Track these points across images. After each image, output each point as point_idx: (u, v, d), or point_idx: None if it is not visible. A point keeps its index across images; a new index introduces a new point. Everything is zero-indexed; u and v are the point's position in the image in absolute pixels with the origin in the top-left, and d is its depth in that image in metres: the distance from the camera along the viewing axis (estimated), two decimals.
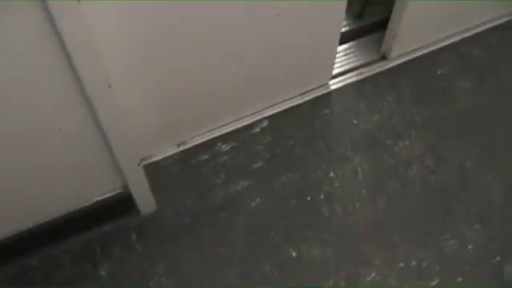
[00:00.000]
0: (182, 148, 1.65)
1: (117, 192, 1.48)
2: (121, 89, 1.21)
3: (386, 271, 1.46)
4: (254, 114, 1.72)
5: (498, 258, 1.49)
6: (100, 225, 1.51)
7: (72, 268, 1.45)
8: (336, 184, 1.61)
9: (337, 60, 1.83)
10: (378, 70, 1.86)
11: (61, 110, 1.14)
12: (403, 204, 1.58)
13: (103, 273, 1.44)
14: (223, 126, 1.69)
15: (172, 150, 1.65)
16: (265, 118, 1.73)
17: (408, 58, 1.89)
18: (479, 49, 1.94)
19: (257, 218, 1.54)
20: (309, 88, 1.78)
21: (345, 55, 1.88)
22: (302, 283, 1.44)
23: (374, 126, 1.73)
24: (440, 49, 1.92)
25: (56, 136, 1.20)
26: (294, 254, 1.48)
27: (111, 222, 1.52)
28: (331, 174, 1.63)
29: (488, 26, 1.98)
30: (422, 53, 1.90)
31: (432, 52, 1.91)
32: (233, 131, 1.70)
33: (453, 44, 1.94)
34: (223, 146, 1.67)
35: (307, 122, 1.73)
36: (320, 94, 1.79)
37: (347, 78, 1.84)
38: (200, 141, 1.67)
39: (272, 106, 1.74)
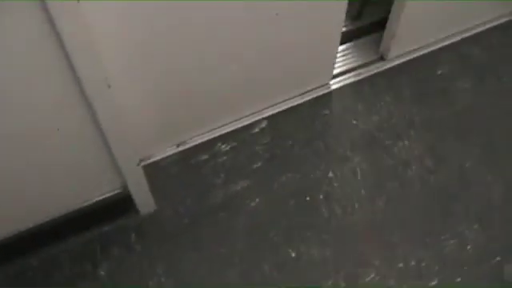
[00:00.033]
0: (181, 148, 1.65)
1: (116, 192, 1.48)
2: (120, 89, 1.21)
3: (386, 271, 1.46)
4: (253, 114, 1.72)
5: (498, 258, 1.49)
6: (99, 225, 1.51)
7: (71, 268, 1.45)
8: (335, 184, 1.61)
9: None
10: (376, 71, 1.86)
11: (60, 109, 1.14)
12: (402, 204, 1.58)
13: (102, 273, 1.44)
14: (223, 126, 1.69)
15: (171, 150, 1.65)
16: (264, 119, 1.73)
17: (407, 59, 1.89)
18: (479, 49, 1.94)
19: (256, 218, 1.54)
20: (309, 88, 1.78)
21: (343, 56, 1.88)
22: (301, 283, 1.44)
23: (374, 126, 1.73)
24: (439, 49, 1.92)
25: (55, 136, 1.20)
26: (294, 255, 1.48)
27: (110, 222, 1.52)
28: (330, 175, 1.63)
29: (488, 25, 1.98)
30: (421, 53, 1.90)
31: (431, 52, 1.91)
32: (232, 131, 1.70)
33: (452, 44, 1.94)
34: (223, 146, 1.67)
35: (306, 123, 1.73)
36: (320, 94, 1.79)
37: (346, 79, 1.84)
38: (199, 141, 1.67)
39: (271, 106, 1.74)
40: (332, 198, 1.58)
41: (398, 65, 1.87)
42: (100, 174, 1.40)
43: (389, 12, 1.74)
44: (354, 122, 1.74)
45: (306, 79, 1.75)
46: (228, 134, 1.69)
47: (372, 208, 1.57)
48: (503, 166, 1.67)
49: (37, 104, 1.10)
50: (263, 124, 1.72)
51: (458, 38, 1.95)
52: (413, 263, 1.48)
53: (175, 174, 1.62)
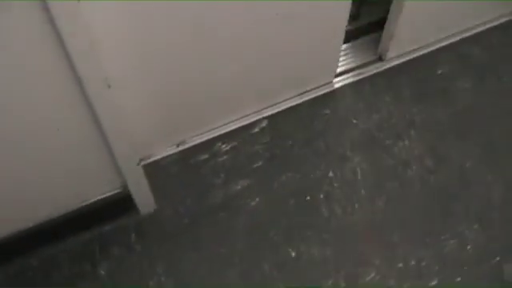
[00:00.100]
0: (181, 148, 1.65)
1: (116, 192, 1.48)
2: (120, 89, 1.21)
3: (386, 271, 1.46)
4: (253, 113, 1.72)
5: (498, 258, 1.49)
6: (99, 224, 1.51)
7: (71, 268, 1.45)
8: (335, 184, 1.61)
9: None
10: (376, 71, 1.86)
11: (60, 109, 1.14)
12: (402, 204, 1.58)
13: (102, 272, 1.44)
14: (223, 125, 1.69)
15: (171, 150, 1.65)
16: (264, 118, 1.73)
17: (406, 59, 1.88)
18: (479, 49, 1.94)
19: (256, 218, 1.54)
20: (312, 86, 1.77)
21: (342, 56, 1.87)
22: (301, 283, 1.44)
23: (374, 126, 1.73)
24: (439, 49, 1.92)
25: (55, 136, 1.20)
26: (294, 254, 1.48)
27: (110, 222, 1.52)
28: (330, 174, 1.63)
29: (488, 25, 1.98)
30: (421, 53, 1.90)
31: (431, 52, 1.91)
32: (232, 131, 1.70)
33: (452, 44, 1.94)
34: (223, 146, 1.67)
35: (306, 122, 1.73)
36: (321, 93, 1.79)
37: (345, 79, 1.83)
38: (199, 140, 1.67)
39: (272, 105, 1.74)
40: (332, 198, 1.58)
41: (398, 65, 1.87)
42: (100, 174, 1.40)
43: (387, 12, 1.72)
44: (354, 121, 1.74)
45: (308, 78, 1.74)
46: (228, 133, 1.69)
47: (372, 208, 1.57)
48: (503, 166, 1.67)
49: (37, 104, 1.10)
50: (263, 123, 1.72)
51: (458, 37, 1.95)
52: (413, 263, 1.48)
53: (175, 173, 1.61)
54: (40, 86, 1.07)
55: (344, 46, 1.90)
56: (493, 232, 1.54)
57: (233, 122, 1.70)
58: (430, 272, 1.46)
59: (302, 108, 1.76)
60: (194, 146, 1.66)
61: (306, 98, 1.77)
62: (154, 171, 1.60)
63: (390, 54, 1.84)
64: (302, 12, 1.43)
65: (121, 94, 1.22)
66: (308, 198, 1.58)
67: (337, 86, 1.82)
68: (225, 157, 1.65)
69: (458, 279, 1.45)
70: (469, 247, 1.51)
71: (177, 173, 1.62)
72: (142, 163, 1.44)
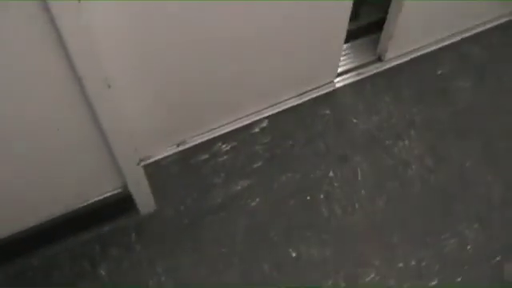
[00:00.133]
0: (181, 148, 1.65)
1: (116, 192, 1.48)
2: (120, 88, 1.20)
3: (386, 271, 1.46)
4: (253, 113, 1.72)
5: (498, 258, 1.49)
6: (99, 224, 1.51)
7: (71, 268, 1.45)
8: (335, 184, 1.61)
9: None
10: (375, 71, 1.85)
11: (60, 109, 1.14)
12: (403, 204, 1.58)
13: (102, 272, 1.44)
14: (223, 125, 1.69)
15: (171, 150, 1.65)
16: (264, 118, 1.73)
17: (405, 59, 1.88)
18: (479, 48, 1.94)
19: (256, 218, 1.54)
20: (314, 86, 1.77)
21: (342, 56, 1.87)
22: (301, 283, 1.44)
23: (374, 126, 1.73)
24: (439, 49, 1.92)
25: (55, 136, 1.20)
26: (294, 254, 1.48)
27: (110, 222, 1.52)
28: (331, 174, 1.63)
29: (488, 25, 1.98)
30: (420, 53, 1.90)
31: (431, 52, 1.91)
32: (233, 131, 1.70)
33: (452, 44, 1.94)
34: (223, 146, 1.67)
35: (307, 122, 1.73)
36: (320, 93, 1.79)
37: (344, 79, 1.83)
38: (200, 140, 1.67)
39: (272, 105, 1.74)
40: (332, 198, 1.58)
41: (398, 65, 1.87)
42: (100, 174, 1.40)
43: (387, 12, 1.72)
44: (355, 121, 1.74)
45: (310, 78, 1.74)
46: (228, 133, 1.69)
47: (372, 208, 1.57)
48: (503, 166, 1.67)
49: (37, 104, 1.10)
50: (263, 123, 1.72)
51: (458, 37, 1.95)
52: (413, 263, 1.48)
53: (175, 173, 1.61)
54: (40, 86, 1.06)
55: (344, 47, 1.89)
56: (493, 232, 1.54)
57: (233, 121, 1.70)
58: (430, 272, 1.46)
59: (302, 108, 1.76)
60: (195, 146, 1.66)
61: (306, 98, 1.77)
62: (154, 171, 1.60)
63: (389, 54, 1.84)
64: (303, 12, 1.43)
65: (121, 94, 1.22)
66: (308, 198, 1.58)
67: (337, 86, 1.82)
68: (225, 157, 1.65)
69: (459, 279, 1.45)
70: (469, 247, 1.51)
71: (177, 173, 1.62)
72: (142, 163, 1.44)
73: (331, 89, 1.80)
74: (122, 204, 1.49)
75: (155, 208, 1.54)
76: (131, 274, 1.45)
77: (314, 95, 1.78)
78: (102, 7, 1.06)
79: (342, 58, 1.86)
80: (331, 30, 1.58)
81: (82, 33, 0.97)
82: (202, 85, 1.47)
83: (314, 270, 1.46)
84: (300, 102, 1.77)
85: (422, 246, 1.51)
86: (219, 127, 1.69)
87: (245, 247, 1.49)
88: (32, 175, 1.28)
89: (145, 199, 1.50)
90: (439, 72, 1.88)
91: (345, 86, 1.82)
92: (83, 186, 1.42)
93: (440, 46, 1.92)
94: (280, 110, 1.74)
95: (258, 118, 1.72)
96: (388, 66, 1.87)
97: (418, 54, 1.90)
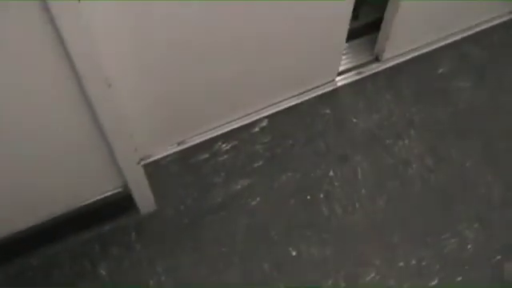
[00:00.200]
0: (181, 147, 1.65)
1: (116, 191, 1.48)
2: (120, 88, 1.20)
3: (386, 271, 1.46)
4: (253, 112, 1.72)
5: (498, 258, 1.49)
6: (99, 224, 1.51)
7: (71, 267, 1.45)
8: (336, 183, 1.61)
9: None
10: (374, 71, 1.85)
11: (60, 109, 1.14)
12: (403, 203, 1.58)
13: (102, 272, 1.44)
14: (223, 124, 1.69)
15: (172, 149, 1.65)
16: (264, 117, 1.73)
17: (405, 59, 1.87)
18: (479, 48, 1.94)
19: (256, 218, 1.54)
20: (314, 85, 1.77)
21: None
22: (301, 283, 1.44)
23: (374, 125, 1.73)
24: (439, 48, 1.92)
25: (55, 136, 1.20)
26: (294, 254, 1.48)
27: (111, 222, 1.52)
28: (331, 174, 1.63)
29: (488, 25, 1.98)
30: (420, 53, 1.89)
31: (431, 51, 1.91)
32: (233, 130, 1.70)
33: (452, 43, 1.93)
34: (223, 145, 1.67)
35: (307, 121, 1.73)
36: (321, 93, 1.79)
37: (344, 79, 1.83)
38: (200, 140, 1.67)
39: (272, 105, 1.74)
40: (332, 197, 1.58)
41: (397, 64, 1.87)
42: (100, 174, 1.40)
43: (384, 12, 1.71)
44: (355, 120, 1.74)
45: (310, 77, 1.74)
46: (228, 132, 1.69)
47: (372, 207, 1.57)
48: (503, 166, 1.67)
49: (37, 104, 1.10)
50: (264, 123, 1.72)
51: (458, 37, 1.94)
52: (413, 262, 1.48)
53: (175, 173, 1.61)
54: (40, 86, 1.06)
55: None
56: (493, 232, 1.54)
57: (233, 121, 1.70)
58: (430, 272, 1.46)
59: (302, 107, 1.76)
60: (195, 146, 1.66)
61: (306, 97, 1.77)
62: (155, 171, 1.59)
63: (387, 54, 1.83)
64: (304, 11, 1.43)
65: (121, 94, 1.22)
66: (308, 197, 1.58)
67: (338, 84, 1.82)
68: (225, 156, 1.65)
69: (459, 279, 1.46)
70: (469, 247, 1.51)
71: (177, 172, 1.62)
72: (142, 163, 1.44)
73: (332, 88, 1.80)
74: (122, 203, 1.50)
75: (155, 207, 1.54)
76: (131, 273, 1.45)
77: (314, 94, 1.78)
78: (101, 7, 1.06)
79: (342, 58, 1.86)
80: (333, 28, 1.58)
81: (81, 33, 0.96)
82: (201, 84, 1.47)
83: (314, 270, 1.46)
84: (300, 101, 1.77)
85: (422, 245, 1.51)
86: (219, 126, 1.69)
87: (245, 246, 1.49)
88: (32, 175, 1.28)
89: (145, 199, 1.50)
90: (439, 71, 1.87)
91: (344, 85, 1.82)
92: (83, 185, 1.42)
93: (440, 45, 1.92)
94: (280, 109, 1.74)
95: (258, 117, 1.72)
96: (386, 65, 1.86)
97: (418, 53, 1.90)
